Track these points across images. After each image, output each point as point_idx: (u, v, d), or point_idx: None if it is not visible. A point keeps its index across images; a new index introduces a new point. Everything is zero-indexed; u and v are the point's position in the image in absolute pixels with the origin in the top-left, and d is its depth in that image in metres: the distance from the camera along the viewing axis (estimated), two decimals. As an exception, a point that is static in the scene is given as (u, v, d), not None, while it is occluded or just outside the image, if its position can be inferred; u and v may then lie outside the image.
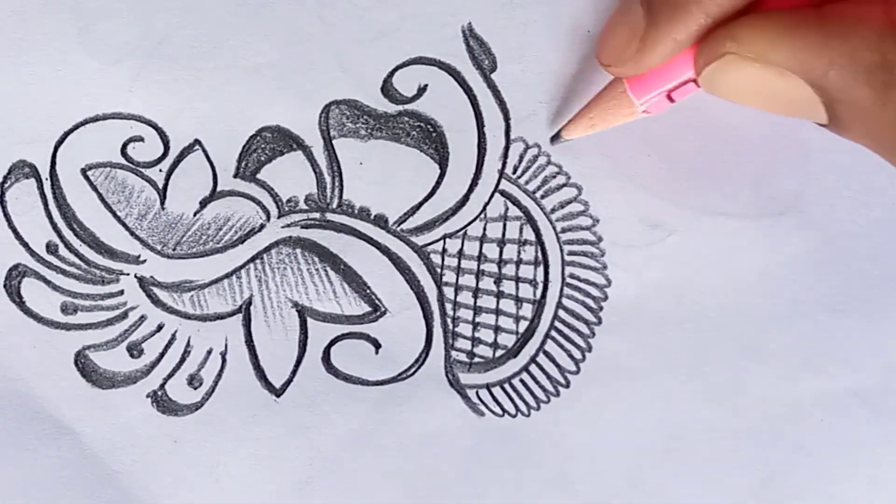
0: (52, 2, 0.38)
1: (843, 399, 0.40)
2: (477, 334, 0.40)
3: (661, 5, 0.33)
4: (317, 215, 0.39)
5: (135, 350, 0.39)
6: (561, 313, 0.40)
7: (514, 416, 0.40)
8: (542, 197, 0.40)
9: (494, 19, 0.39)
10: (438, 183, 0.39)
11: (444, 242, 0.40)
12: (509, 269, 0.40)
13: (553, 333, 0.40)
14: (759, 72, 0.32)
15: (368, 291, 0.39)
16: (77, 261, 0.39)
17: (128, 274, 0.39)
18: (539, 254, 0.40)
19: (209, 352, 0.39)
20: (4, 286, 0.39)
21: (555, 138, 0.39)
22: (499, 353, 0.40)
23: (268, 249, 0.39)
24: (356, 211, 0.39)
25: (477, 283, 0.40)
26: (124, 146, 0.39)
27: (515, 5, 0.39)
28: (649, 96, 0.36)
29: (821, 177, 0.39)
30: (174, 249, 0.39)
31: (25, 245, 0.39)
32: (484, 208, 0.40)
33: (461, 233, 0.40)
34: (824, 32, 0.31)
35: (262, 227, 0.39)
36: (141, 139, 0.39)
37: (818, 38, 0.31)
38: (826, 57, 0.31)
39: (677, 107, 0.38)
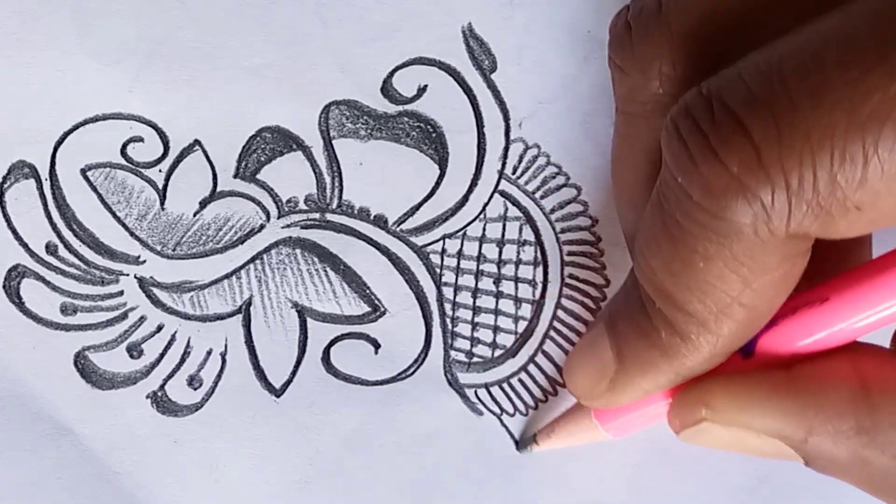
0: (52, 2, 0.38)
1: (839, 399, 0.40)
2: (476, 334, 0.40)
3: (631, 355, 0.33)
4: (317, 216, 0.39)
5: (134, 351, 0.39)
6: (560, 313, 0.40)
7: (513, 416, 0.40)
8: (542, 197, 0.40)
9: (494, 20, 0.39)
10: (438, 183, 0.39)
11: (444, 243, 0.40)
12: (508, 270, 0.40)
13: (552, 333, 0.40)
14: (736, 434, 0.32)
15: (368, 291, 0.39)
16: (76, 261, 0.39)
17: (127, 274, 0.39)
18: (538, 254, 0.40)
19: (209, 352, 0.39)
20: (4, 287, 0.39)
21: (519, 445, 0.40)
22: (498, 352, 0.40)
23: (268, 250, 0.39)
24: (356, 211, 0.39)
25: (476, 284, 0.40)
26: (124, 146, 0.39)
27: (515, 6, 0.39)
28: (614, 422, 0.36)
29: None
30: (174, 250, 0.39)
31: (25, 245, 0.39)
32: (483, 209, 0.40)
33: (461, 233, 0.40)
34: (798, 400, 0.31)
35: (261, 227, 0.39)
36: (141, 139, 0.39)
37: (793, 406, 0.31)
38: (803, 426, 0.31)
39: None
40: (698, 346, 0.31)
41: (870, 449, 0.30)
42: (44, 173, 0.39)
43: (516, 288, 0.40)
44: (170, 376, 0.39)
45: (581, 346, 0.35)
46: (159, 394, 0.39)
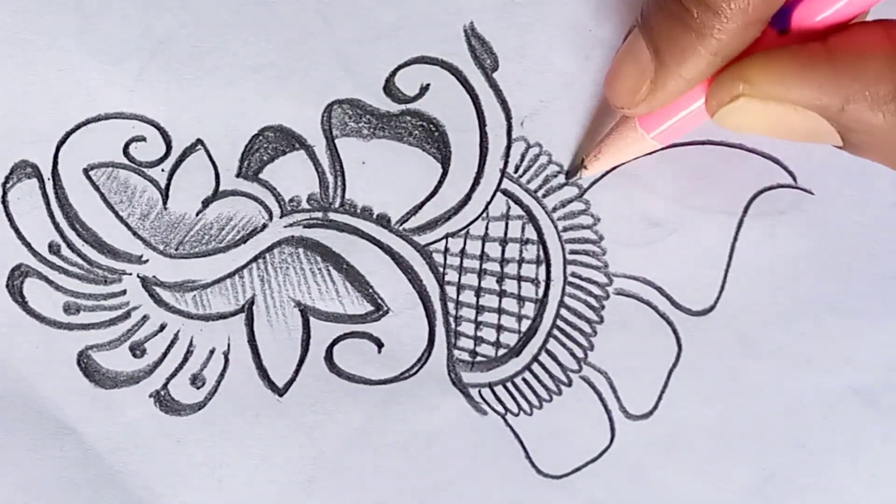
0: (54, 2, 0.38)
1: (843, 397, 0.40)
2: (479, 333, 0.40)
3: (668, 47, 0.33)
4: (319, 215, 0.39)
5: (137, 350, 0.39)
6: (563, 312, 0.40)
7: (517, 415, 0.40)
8: (544, 196, 0.40)
9: (496, 19, 0.39)
10: (441, 182, 0.39)
11: (447, 241, 0.40)
12: (511, 268, 0.40)
13: (555, 332, 0.40)
14: (773, 109, 0.33)
15: (371, 291, 0.39)
16: (79, 261, 0.39)
17: (130, 274, 0.39)
18: (541, 252, 0.40)
19: (212, 351, 0.39)
20: (7, 286, 0.39)
21: (569, 174, 0.39)
22: (501, 351, 0.40)
23: (270, 249, 0.39)
24: (358, 210, 0.39)
25: (479, 282, 0.40)
26: (126, 146, 0.39)
27: (517, 5, 0.39)
28: (660, 129, 0.36)
29: (821, 177, 0.39)
30: (176, 249, 0.39)
31: (28, 245, 0.39)
32: (486, 207, 0.40)
33: (463, 232, 0.40)
34: (835, 69, 0.32)
35: (264, 226, 0.39)
36: (143, 139, 0.39)
37: (830, 75, 0.32)
38: (840, 93, 0.31)
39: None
40: (730, 16, 0.32)
41: None
42: (46, 173, 0.39)
43: (519, 286, 0.40)
44: (172, 375, 0.39)
45: (619, 57, 0.36)
46: (162, 393, 0.39)
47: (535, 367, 0.40)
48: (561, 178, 0.40)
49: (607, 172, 0.39)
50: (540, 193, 0.40)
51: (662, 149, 0.38)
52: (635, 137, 0.37)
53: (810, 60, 0.32)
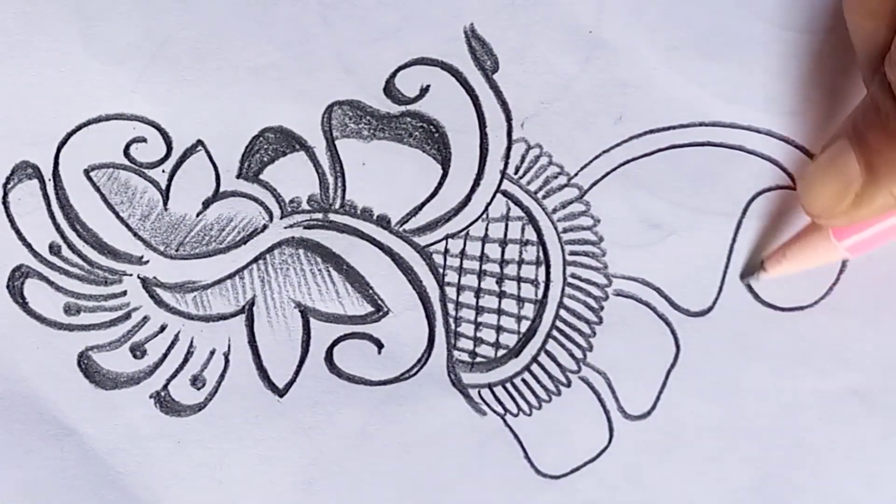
0: (56, 3, 0.38)
1: (841, 397, 0.40)
2: (479, 334, 0.40)
3: (882, 165, 0.33)
4: (319, 216, 0.39)
5: (138, 351, 0.39)
6: (562, 313, 0.40)
7: (516, 416, 0.40)
8: (544, 197, 0.40)
9: (496, 20, 0.39)
10: (441, 183, 0.39)
11: (447, 243, 0.40)
12: (511, 269, 0.40)
13: (555, 333, 0.40)
14: None
15: (371, 292, 0.40)
16: (80, 262, 0.39)
17: (131, 275, 0.39)
18: (541, 254, 0.40)
19: (212, 352, 0.39)
20: (7, 287, 0.39)
21: (744, 274, 0.39)
22: (501, 352, 0.40)
23: (270, 250, 0.39)
24: (359, 211, 0.39)
25: (479, 283, 0.40)
26: (127, 147, 0.39)
27: (517, 6, 0.39)
28: (854, 239, 0.36)
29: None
30: (177, 250, 0.39)
31: (28, 246, 0.39)
32: (486, 209, 0.40)
33: (463, 233, 0.40)
34: None
35: (264, 227, 0.39)
36: (144, 140, 0.39)
37: None
38: None
39: (678, 106, 0.38)
40: None
41: None
42: (47, 174, 0.39)
43: (519, 287, 0.40)
44: (173, 376, 0.39)
45: (821, 164, 0.35)
46: (162, 394, 0.39)
47: (535, 367, 0.40)
48: (562, 180, 0.40)
49: (608, 173, 0.39)
50: (540, 195, 0.40)
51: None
52: (827, 247, 0.36)
53: None
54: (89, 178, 0.39)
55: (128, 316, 0.39)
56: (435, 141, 0.39)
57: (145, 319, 0.39)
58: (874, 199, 0.33)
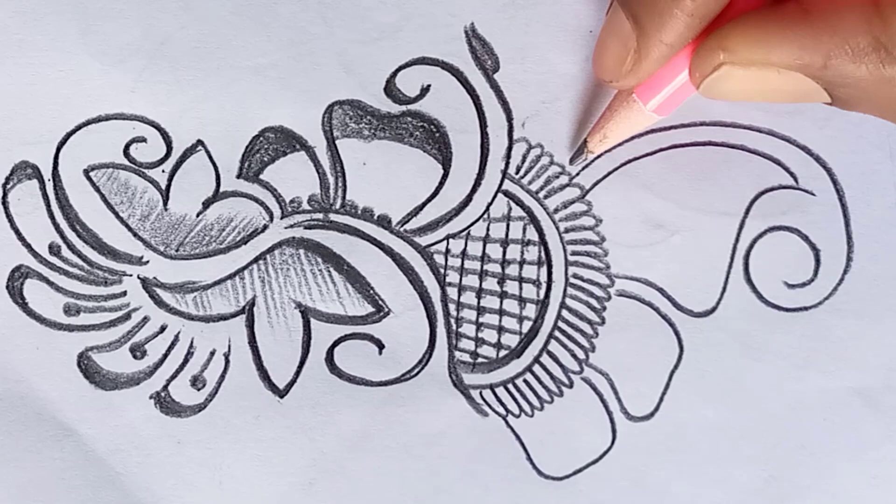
0: (55, 2, 0.38)
1: (845, 398, 0.40)
2: (480, 335, 0.40)
3: (645, 14, 0.34)
4: (320, 216, 0.39)
5: (138, 351, 0.39)
6: (564, 313, 0.40)
7: (518, 417, 0.40)
8: (545, 197, 0.40)
9: (497, 20, 0.39)
10: (442, 183, 0.39)
11: (448, 243, 0.40)
12: (513, 270, 0.40)
13: (556, 333, 0.40)
14: (756, 74, 0.33)
15: (372, 292, 0.39)
16: (80, 262, 0.39)
17: (130, 275, 0.39)
18: (542, 254, 0.40)
19: (212, 353, 0.39)
20: (7, 288, 0.39)
21: (573, 159, 0.39)
22: (502, 353, 0.40)
23: (271, 250, 0.39)
24: (359, 211, 0.39)
25: (480, 284, 0.40)
26: (127, 147, 0.39)
27: (518, 6, 0.39)
28: (657, 98, 0.36)
29: (822, 176, 0.39)
30: (177, 250, 0.39)
31: (28, 246, 0.39)
32: (487, 209, 0.40)
33: (464, 233, 0.40)
34: (814, 27, 0.32)
35: (265, 227, 0.39)
36: (143, 140, 0.39)
37: (809, 34, 0.32)
38: (821, 51, 0.32)
39: (680, 107, 0.38)
40: None
41: (889, 64, 0.31)
42: (47, 174, 0.39)
43: (520, 288, 0.40)
44: (173, 377, 0.39)
45: (601, 32, 0.36)
46: (162, 394, 0.39)
47: (537, 368, 0.40)
48: (563, 179, 0.39)
49: (609, 173, 0.39)
50: (541, 195, 0.40)
51: (661, 133, 0.38)
52: (638, 113, 0.37)
53: (788, 21, 0.32)
54: (89, 179, 0.39)
55: (128, 316, 0.39)
56: (436, 141, 0.39)
57: (145, 320, 0.39)
58: (650, 52, 0.34)
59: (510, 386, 0.40)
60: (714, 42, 0.33)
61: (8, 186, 0.39)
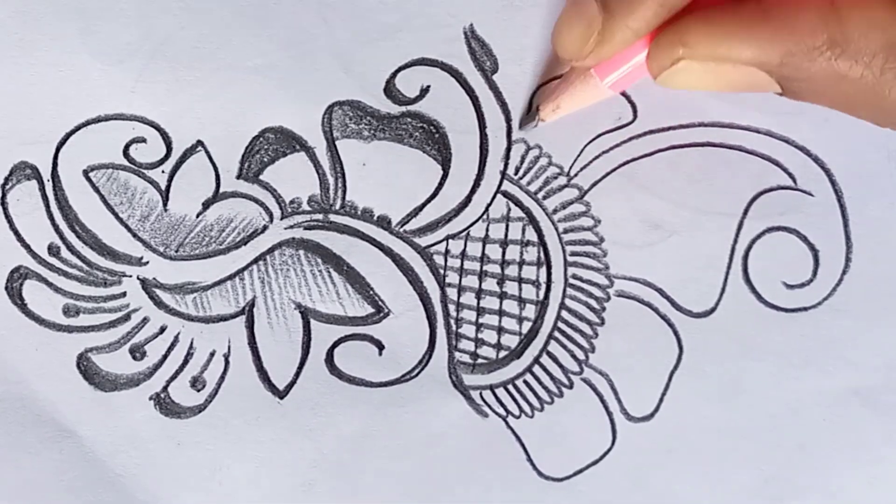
0: (55, 2, 0.38)
1: (844, 398, 0.40)
2: (480, 335, 0.40)
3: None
4: (320, 216, 0.39)
5: (137, 352, 0.39)
6: (564, 314, 0.40)
7: (518, 417, 0.40)
8: (544, 198, 0.40)
9: (496, 21, 0.39)
10: (441, 184, 0.39)
11: (447, 243, 0.40)
12: (512, 270, 0.40)
13: (556, 334, 0.40)
14: (713, 68, 0.34)
15: (371, 293, 0.39)
16: (79, 263, 0.39)
17: (130, 276, 0.39)
18: (541, 254, 0.40)
19: (212, 354, 0.39)
20: (6, 288, 0.39)
21: (522, 123, 0.39)
22: (502, 354, 0.40)
23: (271, 251, 0.39)
24: (359, 212, 0.39)
25: (480, 284, 0.40)
26: (126, 147, 0.39)
27: (517, 7, 0.39)
28: (614, 76, 0.37)
29: (821, 177, 0.40)
30: (177, 251, 0.39)
31: (27, 247, 0.39)
32: (486, 209, 0.40)
33: (464, 234, 0.40)
34: (772, 26, 0.33)
35: (265, 228, 0.39)
36: (143, 140, 0.39)
37: (767, 32, 0.33)
38: (778, 49, 0.33)
39: (678, 106, 0.38)
40: None
41: (843, 60, 0.32)
42: (46, 174, 0.39)
43: (520, 289, 0.40)
44: (173, 378, 0.39)
45: (566, 10, 0.36)
46: (162, 395, 0.39)
47: (537, 368, 0.40)
48: (562, 180, 0.40)
49: (608, 173, 0.39)
50: (540, 195, 0.40)
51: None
52: (594, 87, 0.37)
53: (747, 19, 0.33)
54: (88, 179, 0.39)
55: (127, 317, 0.39)
56: (435, 141, 0.39)
57: (145, 321, 0.39)
58: (615, 35, 0.35)
59: (510, 387, 0.40)
60: (674, 36, 0.34)
61: (7, 187, 0.39)
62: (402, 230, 0.39)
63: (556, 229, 0.40)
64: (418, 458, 0.40)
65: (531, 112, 0.39)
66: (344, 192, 0.39)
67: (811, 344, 0.40)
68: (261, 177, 0.39)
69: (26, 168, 0.39)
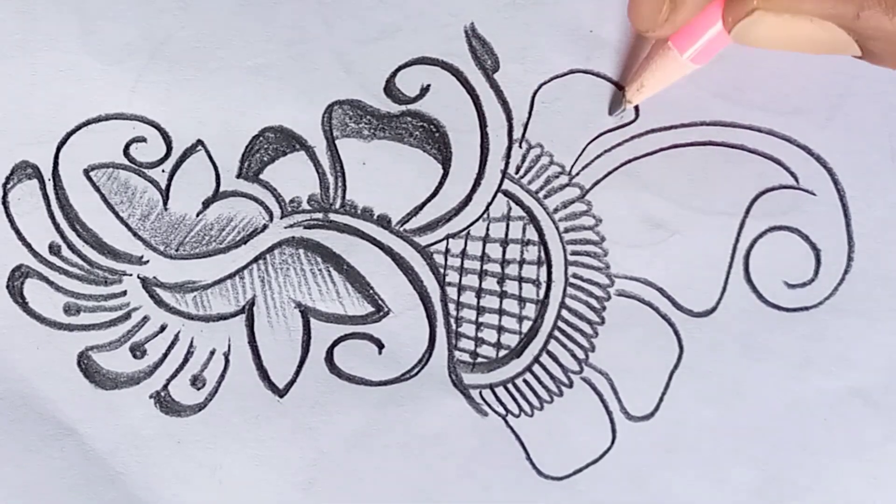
0: (55, 2, 0.38)
1: (845, 398, 0.40)
2: (480, 334, 0.40)
3: None
4: (320, 215, 0.39)
5: (138, 351, 0.39)
6: (564, 313, 0.40)
7: (518, 416, 0.40)
8: (545, 197, 0.40)
9: (496, 19, 0.39)
10: (441, 183, 0.39)
11: (448, 242, 0.40)
12: (512, 269, 0.40)
13: (556, 333, 0.40)
14: (788, 22, 0.33)
15: (371, 292, 0.39)
16: (80, 261, 0.39)
17: (130, 275, 0.39)
18: (542, 254, 0.40)
19: (212, 352, 0.39)
20: (7, 287, 0.39)
21: (612, 109, 0.39)
22: (502, 353, 0.40)
23: (271, 250, 0.39)
24: (359, 211, 0.39)
25: (480, 283, 0.40)
26: (127, 147, 0.39)
27: (517, 6, 0.39)
28: (693, 47, 0.36)
29: (823, 176, 0.39)
30: (177, 250, 0.39)
31: (28, 246, 0.39)
32: (487, 208, 0.40)
33: (464, 233, 0.40)
34: None
35: (264, 227, 0.39)
36: (143, 140, 0.39)
37: None
38: (854, 1, 0.32)
39: (679, 105, 0.38)
40: None
41: None
42: (47, 174, 0.39)
43: (520, 288, 0.40)
44: (173, 376, 0.39)
45: None
46: (162, 394, 0.39)
47: (536, 368, 0.40)
48: (563, 179, 0.39)
49: (609, 172, 0.39)
50: (541, 194, 0.40)
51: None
52: (671, 59, 0.37)
53: None
54: (89, 178, 0.39)
55: (128, 316, 0.39)
56: (435, 140, 0.39)
57: (145, 319, 0.39)
58: (685, 1, 0.35)
59: (510, 386, 0.40)
60: None
61: (8, 186, 0.39)
62: (402, 229, 0.39)
63: (557, 228, 0.40)
64: (418, 456, 0.40)
65: (617, 96, 0.39)
66: (344, 191, 0.39)
67: (812, 344, 0.40)
68: (261, 176, 0.39)
69: (27, 167, 0.39)
